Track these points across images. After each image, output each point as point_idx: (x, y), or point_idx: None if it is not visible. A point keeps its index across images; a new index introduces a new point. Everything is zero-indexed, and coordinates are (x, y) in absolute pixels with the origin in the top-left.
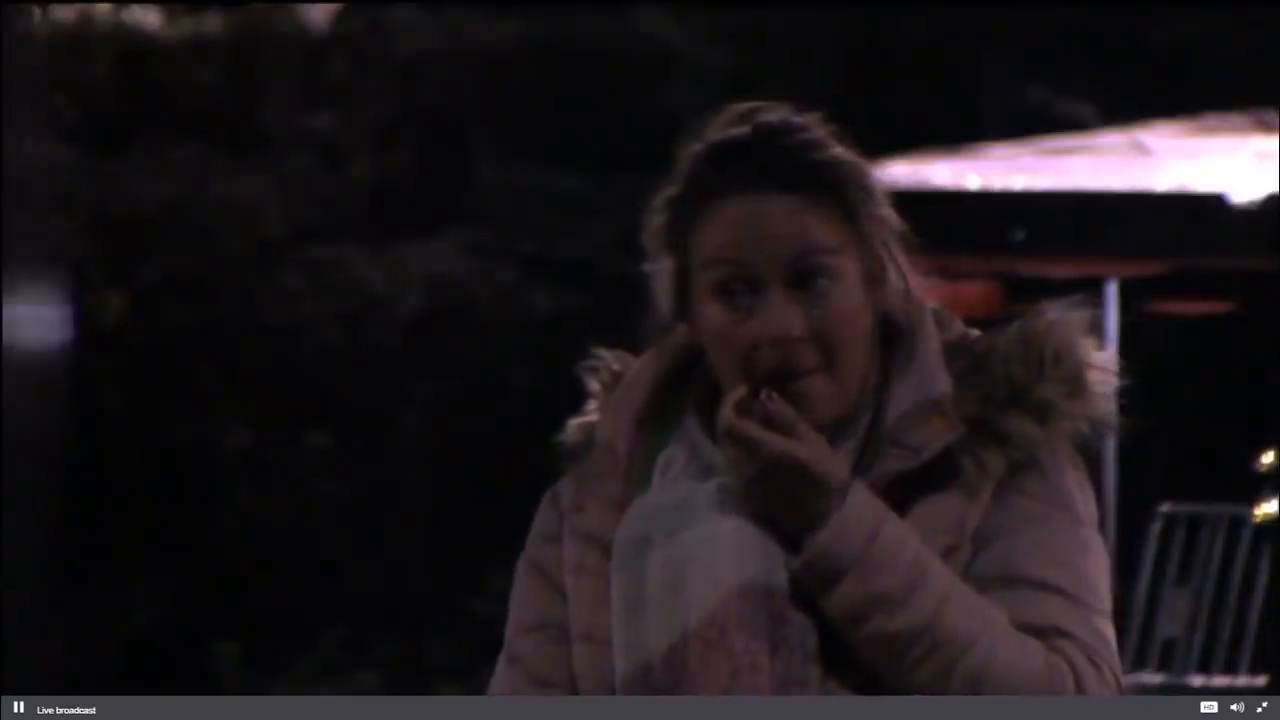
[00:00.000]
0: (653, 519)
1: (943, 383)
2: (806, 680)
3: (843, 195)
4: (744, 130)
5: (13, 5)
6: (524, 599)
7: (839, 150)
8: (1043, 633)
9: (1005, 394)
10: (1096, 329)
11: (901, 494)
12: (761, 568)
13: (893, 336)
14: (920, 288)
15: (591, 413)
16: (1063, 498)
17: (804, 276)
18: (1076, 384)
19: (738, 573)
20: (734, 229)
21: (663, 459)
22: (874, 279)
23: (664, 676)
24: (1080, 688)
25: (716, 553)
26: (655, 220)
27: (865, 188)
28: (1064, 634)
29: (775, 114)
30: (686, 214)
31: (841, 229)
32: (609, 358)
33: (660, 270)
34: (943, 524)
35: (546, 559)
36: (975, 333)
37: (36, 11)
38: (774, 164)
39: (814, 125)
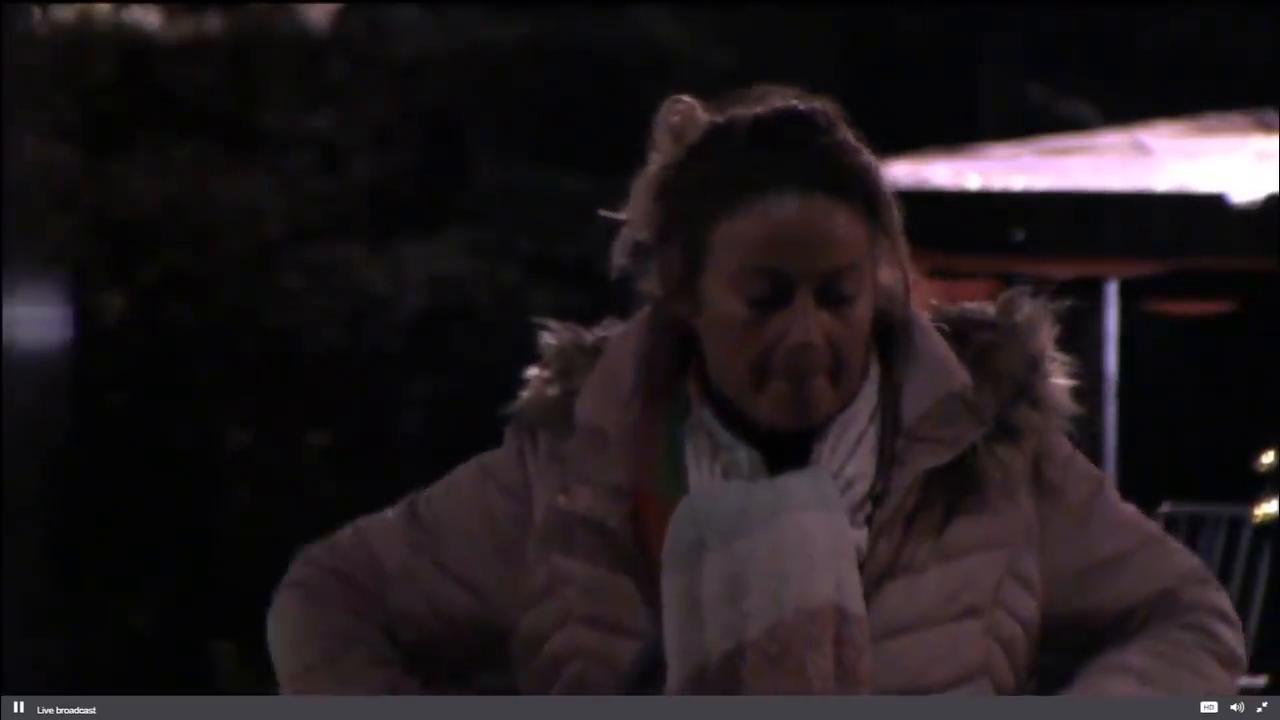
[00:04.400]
0: (705, 522)
1: (962, 377)
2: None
3: (874, 203)
4: (786, 116)
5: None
6: (460, 508)
7: (867, 152)
8: (1162, 601)
9: (1012, 389)
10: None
11: (937, 495)
12: (831, 587)
13: (888, 331)
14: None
15: (550, 380)
16: (1082, 471)
17: (836, 287)
18: (1055, 375)
19: (807, 590)
20: (776, 231)
21: (690, 453)
22: (880, 281)
23: (719, 682)
24: (1230, 637)
25: (780, 564)
26: (667, 193)
27: (888, 193)
28: (1176, 599)
29: (804, 104)
30: (718, 197)
31: (868, 236)
32: (562, 329)
33: (666, 247)
34: (999, 537)
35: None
36: (944, 326)
37: (36, 11)
38: (820, 162)
39: (838, 119)
